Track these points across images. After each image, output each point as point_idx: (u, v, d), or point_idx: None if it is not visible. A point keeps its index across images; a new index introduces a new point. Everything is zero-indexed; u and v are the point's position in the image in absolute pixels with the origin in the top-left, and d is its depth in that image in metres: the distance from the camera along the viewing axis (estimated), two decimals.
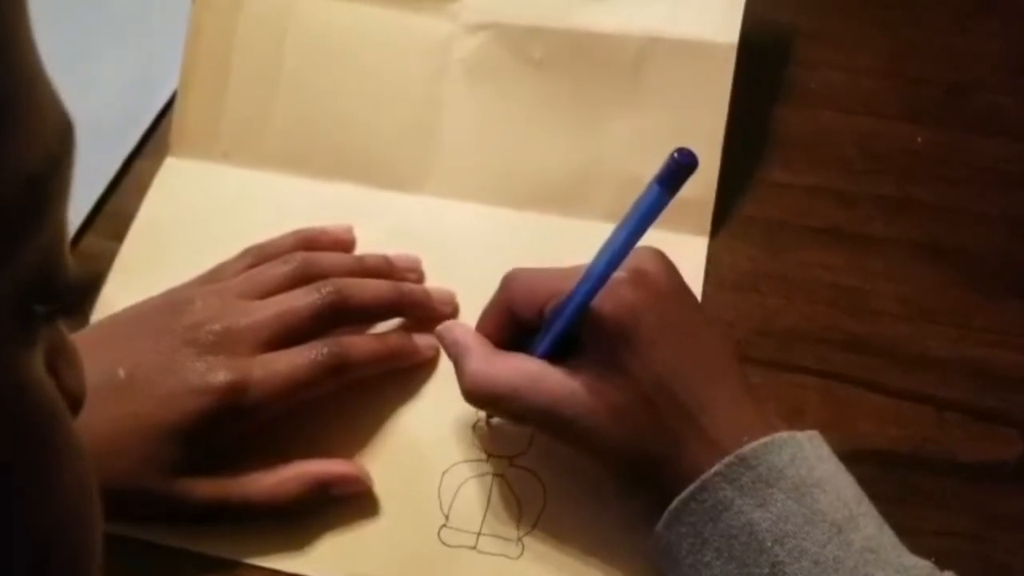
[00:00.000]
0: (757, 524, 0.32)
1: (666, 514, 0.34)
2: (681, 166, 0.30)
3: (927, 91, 0.52)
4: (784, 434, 0.34)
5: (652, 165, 0.47)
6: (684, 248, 0.46)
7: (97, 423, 0.37)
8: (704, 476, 0.33)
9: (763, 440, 0.33)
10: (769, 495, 0.32)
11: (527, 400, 0.36)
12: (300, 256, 0.42)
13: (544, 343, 0.37)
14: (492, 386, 0.37)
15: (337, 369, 0.39)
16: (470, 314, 0.44)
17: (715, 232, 0.47)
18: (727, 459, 0.33)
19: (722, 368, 0.36)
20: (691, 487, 0.33)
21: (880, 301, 0.46)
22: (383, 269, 0.44)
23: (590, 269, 0.34)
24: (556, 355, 0.37)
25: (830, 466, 0.34)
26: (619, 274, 0.34)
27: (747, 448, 0.33)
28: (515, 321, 0.38)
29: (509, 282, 0.39)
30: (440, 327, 0.40)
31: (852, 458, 0.41)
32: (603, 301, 0.35)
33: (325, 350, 0.39)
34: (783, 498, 0.32)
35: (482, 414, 0.42)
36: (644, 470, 0.35)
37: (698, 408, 0.34)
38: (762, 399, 0.36)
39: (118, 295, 0.45)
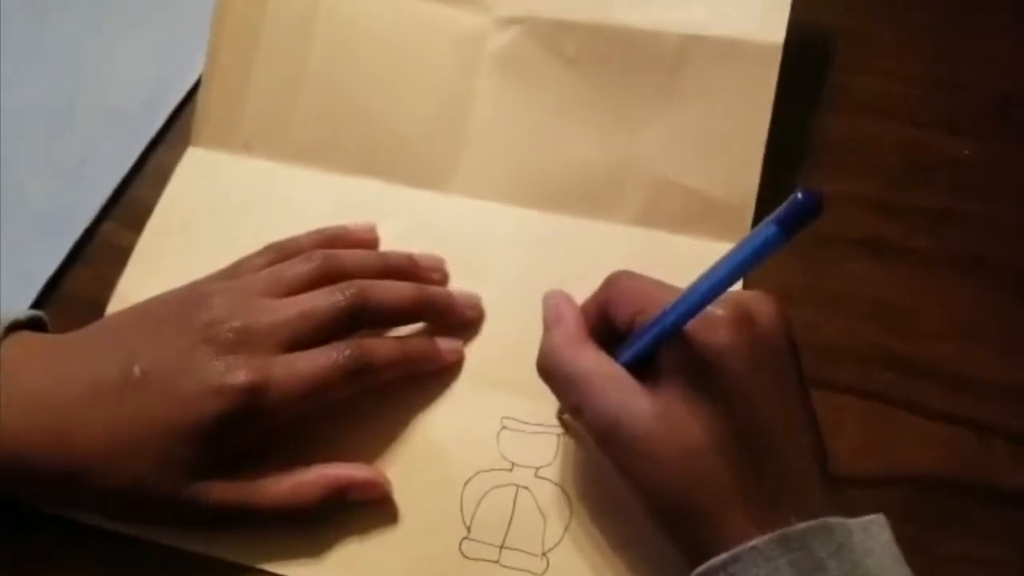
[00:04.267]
0: None
1: (693, 575, 0.32)
2: (803, 208, 0.26)
3: (974, 100, 0.50)
4: (835, 520, 0.31)
5: (688, 169, 0.46)
6: (719, 256, 0.44)
7: (111, 422, 0.36)
8: (739, 548, 0.31)
9: (809, 523, 0.31)
10: None
11: (595, 397, 0.34)
12: (322, 254, 0.41)
13: (627, 354, 0.35)
14: (568, 368, 0.35)
15: (358, 372, 0.38)
16: (495, 318, 0.43)
17: None
18: (767, 536, 0.31)
19: (805, 439, 0.33)
20: (723, 556, 0.31)
21: (923, 318, 0.44)
22: (407, 268, 0.43)
23: (684, 295, 0.32)
24: (638, 369, 0.35)
25: (879, 561, 0.31)
26: (723, 311, 0.32)
27: (792, 529, 0.31)
28: (609, 322, 0.36)
29: (610, 283, 0.37)
30: (548, 292, 0.39)
31: (890, 482, 0.40)
32: (696, 333, 0.33)
33: (347, 352, 0.38)
34: None
35: (508, 420, 0.41)
36: (683, 518, 0.33)
37: (761, 474, 0.32)
38: (832, 485, 0.33)
39: (135, 287, 0.44)
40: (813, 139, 0.49)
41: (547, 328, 0.37)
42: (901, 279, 0.45)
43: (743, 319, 0.33)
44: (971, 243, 0.46)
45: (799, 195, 0.26)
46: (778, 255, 0.44)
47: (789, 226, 0.27)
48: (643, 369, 0.34)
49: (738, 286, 0.33)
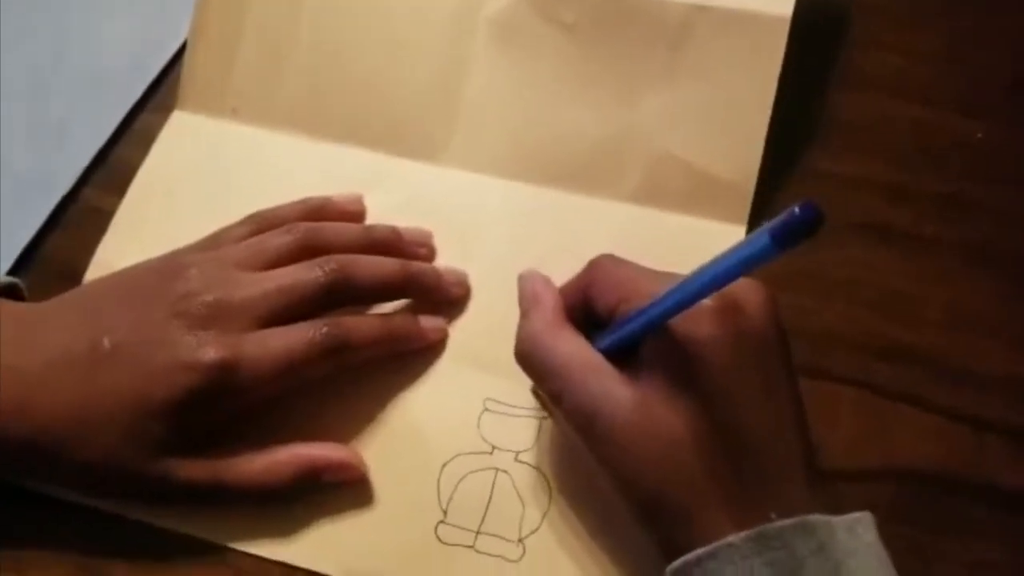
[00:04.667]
0: None
1: (668, 570, 0.31)
2: (799, 223, 0.25)
3: (990, 81, 0.48)
4: (818, 518, 0.30)
5: (688, 145, 0.44)
6: (718, 237, 0.42)
7: (79, 394, 0.35)
8: (716, 544, 0.30)
9: (790, 521, 0.30)
10: None
11: (570, 387, 0.33)
12: (304, 227, 0.40)
13: (606, 341, 0.34)
14: (547, 355, 0.34)
15: (336, 351, 0.37)
16: (482, 296, 0.42)
17: (753, 222, 0.43)
18: (744, 533, 0.29)
19: (789, 434, 0.32)
20: (698, 551, 0.30)
21: (927, 308, 0.42)
22: (392, 242, 0.41)
23: (670, 292, 0.31)
24: (617, 357, 0.33)
25: (864, 561, 0.30)
26: (709, 300, 0.31)
27: (771, 526, 0.29)
28: (589, 306, 0.35)
29: (593, 267, 0.36)
30: (523, 273, 0.38)
31: (884, 476, 0.39)
32: (680, 323, 0.31)
33: (324, 330, 0.37)
34: None
35: (490, 403, 0.40)
36: (658, 512, 0.32)
37: (740, 470, 0.31)
38: (818, 476, 0.32)
39: (115, 253, 0.43)
40: (821, 118, 0.47)
41: (524, 312, 0.36)
42: (906, 266, 0.43)
43: (729, 310, 0.32)
44: (981, 230, 0.44)
45: (797, 209, 0.25)
46: None
47: (783, 239, 0.25)
48: (624, 357, 0.33)
49: None
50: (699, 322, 0.31)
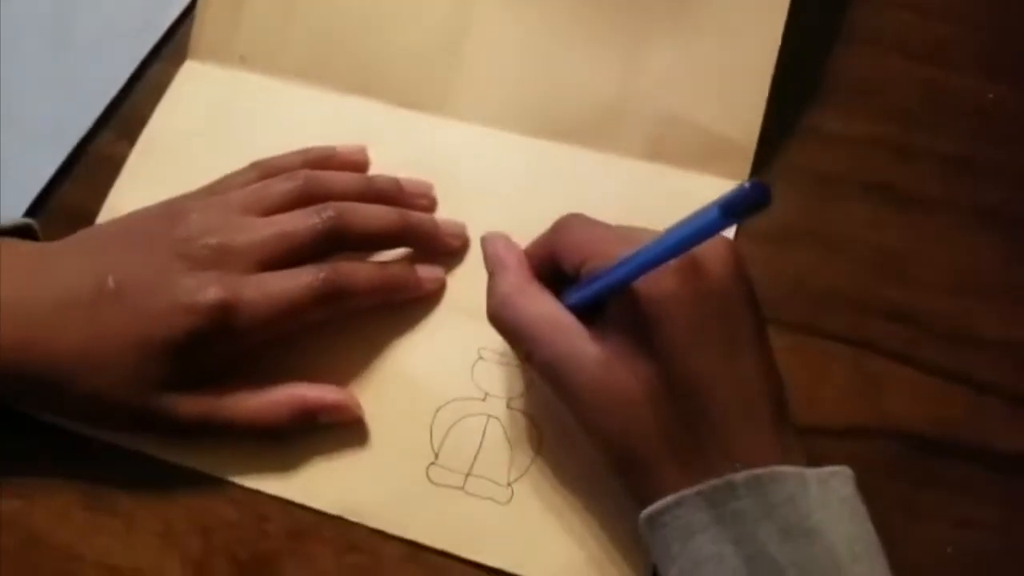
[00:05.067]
0: (726, 559, 0.30)
1: (642, 517, 0.32)
2: (748, 199, 0.26)
3: (1004, 43, 0.47)
4: (788, 469, 0.30)
5: (692, 102, 0.44)
6: (718, 193, 0.42)
7: (82, 332, 0.36)
8: (684, 492, 0.30)
9: (760, 471, 0.30)
10: (748, 532, 0.30)
11: (540, 346, 0.34)
12: (305, 174, 0.40)
13: (572, 299, 0.35)
14: (517, 315, 0.35)
15: (332, 296, 0.38)
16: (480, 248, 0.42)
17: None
18: (714, 481, 0.30)
19: (753, 390, 0.32)
20: (668, 499, 0.31)
21: (928, 269, 0.42)
22: (392, 192, 0.42)
23: (633, 256, 0.31)
24: (585, 314, 0.34)
25: (836, 514, 0.30)
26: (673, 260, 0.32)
27: (740, 475, 0.30)
28: (556, 265, 0.36)
29: (560, 227, 0.36)
30: (485, 235, 0.38)
31: (877, 435, 0.39)
32: (642, 281, 0.32)
33: (321, 275, 0.38)
34: (764, 539, 0.29)
35: (485, 351, 0.40)
36: (624, 465, 0.33)
37: (710, 420, 0.31)
38: (790, 434, 0.32)
39: (125, 199, 0.44)
40: (830, 75, 0.46)
41: (492, 273, 0.37)
42: (908, 227, 0.43)
43: (689, 268, 0.32)
44: (986, 194, 0.43)
45: (746, 185, 0.26)
46: (777, 194, 0.43)
47: (733, 214, 0.27)
48: (592, 313, 0.34)
49: None
50: (660, 281, 0.32)
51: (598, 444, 0.34)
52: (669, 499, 0.31)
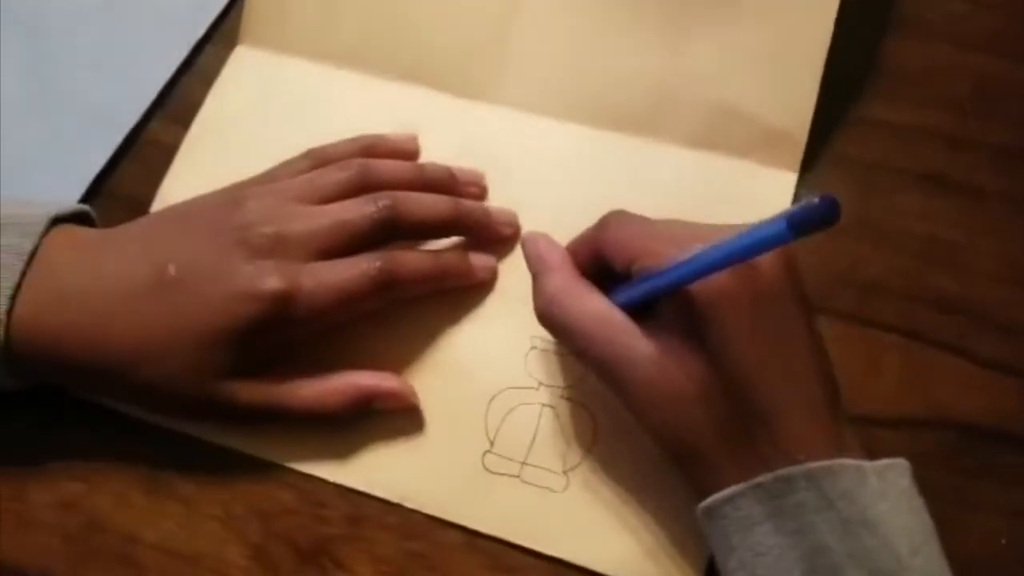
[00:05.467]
0: (788, 551, 0.30)
1: (700, 507, 0.32)
2: (817, 214, 0.26)
3: None
4: (848, 462, 0.31)
5: (742, 89, 0.44)
6: (771, 182, 0.43)
7: (144, 321, 0.37)
8: (746, 484, 0.31)
9: (820, 463, 0.30)
10: (809, 525, 0.30)
11: (593, 345, 0.34)
12: (359, 163, 0.40)
13: (622, 297, 0.35)
14: (564, 317, 0.35)
15: (387, 285, 0.38)
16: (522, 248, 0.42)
17: (805, 169, 0.43)
18: (774, 473, 0.30)
19: (808, 381, 0.32)
20: (729, 490, 0.31)
21: (978, 259, 0.42)
22: (444, 181, 0.42)
23: (687, 262, 0.32)
24: (633, 311, 0.35)
25: (895, 506, 0.31)
26: None
27: (800, 468, 0.30)
28: (602, 262, 0.36)
29: (605, 225, 0.36)
30: (527, 235, 0.39)
31: (928, 426, 0.39)
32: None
33: (377, 264, 0.38)
34: (823, 531, 0.30)
35: (538, 340, 0.40)
36: (685, 459, 0.33)
37: (765, 417, 0.32)
38: (845, 425, 0.33)
39: (178, 187, 0.45)
40: (880, 64, 0.46)
41: (538, 274, 0.37)
42: (959, 217, 0.43)
43: (747, 266, 0.32)
44: None
45: (816, 200, 0.26)
46: (827, 183, 0.43)
47: (800, 229, 0.27)
48: (641, 310, 0.34)
49: None
50: (714, 278, 0.32)
51: (656, 439, 0.34)
52: (728, 491, 0.31)
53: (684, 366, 0.32)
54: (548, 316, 0.36)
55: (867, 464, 0.31)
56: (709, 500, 0.32)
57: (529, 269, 0.38)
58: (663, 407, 0.33)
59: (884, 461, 0.32)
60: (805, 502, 0.30)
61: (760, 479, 0.31)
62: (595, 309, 0.35)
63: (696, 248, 0.32)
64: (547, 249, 0.37)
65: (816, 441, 0.32)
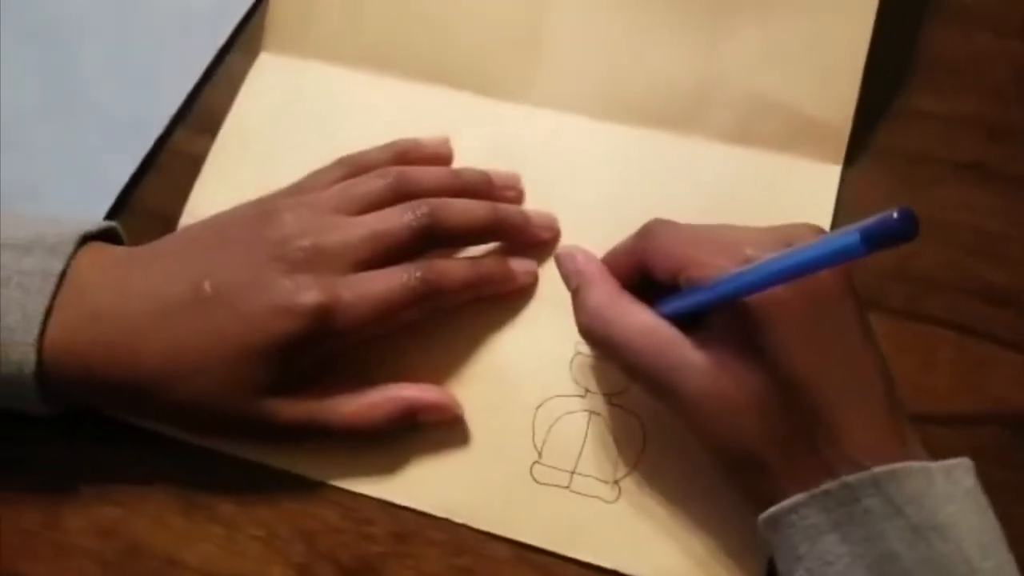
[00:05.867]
0: (858, 560, 0.29)
1: (762, 518, 0.31)
2: (894, 230, 0.25)
3: None
4: (915, 465, 0.30)
5: (781, 84, 0.43)
6: (814, 176, 0.42)
7: (180, 338, 0.36)
8: (813, 491, 0.30)
9: (887, 468, 0.29)
10: (878, 532, 0.29)
11: (643, 359, 0.33)
12: (396, 171, 0.39)
13: (670, 307, 0.34)
14: (609, 332, 0.34)
15: (429, 295, 0.37)
16: (573, 238, 0.41)
17: (849, 161, 0.42)
18: (841, 480, 0.30)
19: (867, 383, 0.32)
20: (794, 498, 0.30)
21: None
22: (481, 186, 0.41)
23: (745, 272, 0.31)
24: (679, 321, 0.34)
25: (963, 507, 0.30)
26: None
27: (867, 474, 0.29)
28: (644, 272, 0.35)
29: (648, 234, 0.35)
30: (561, 251, 0.38)
31: (985, 421, 0.38)
32: None
33: (418, 274, 0.37)
34: (892, 538, 0.29)
35: (582, 346, 0.39)
36: (742, 470, 0.32)
37: (827, 423, 0.31)
38: (906, 425, 0.32)
39: (207, 199, 0.44)
40: (919, 54, 0.45)
41: (576, 289, 0.36)
42: (1005, 207, 0.42)
43: None
44: None
45: (894, 214, 0.25)
46: (870, 176, 0.42)
47: (874, 243, 0.25)
48: (689, 319, 0.33)
49: None
50: None
51: (711, 451, 0.33)
52: (794, 499, 0.30)
53: (740, 376, 0.32)
54: (592, 331, 0.35)
55: (933, 465, 0.30)
56: (773, 509, 0.31)
57: (568, 285, 0.37)
58: (720, 418, 0.32)
59: (950, 461, 0.31)
60: (873, 508, 0.29)
61: (826, 486, 0.30)
62: (642, 322, 0.34)
63: (746, 254, 0.31)
64: (585, 262, 0.36)
65: (880, 445, 0.31)
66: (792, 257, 0.29)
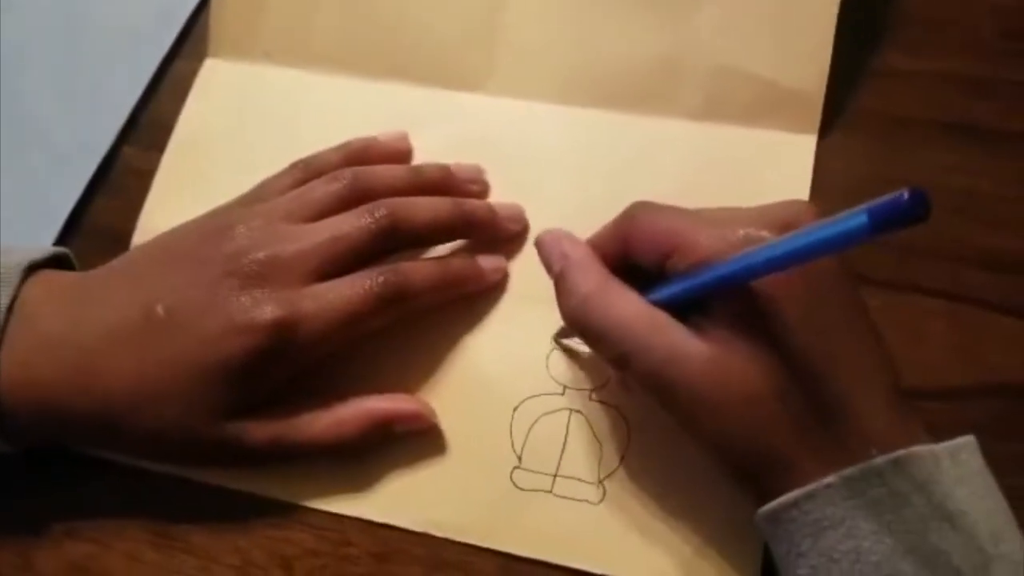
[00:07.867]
0: (866, 554, 0.28)
1: (761, 512, 0.30)
2: (903, 210, 0.23)
3: None
4: (921, 449, 0.28)
5: (748, 53, 0.41)
6: (788, 149, 0.40)
7: (136, 365, 0.34)
8: (815, 484, 0.28)
9: (893, 455, 0.28)
10: (888, 522, 0.28)
11: (640, 347, 0.31)
12: (351, 173, 0.38)
13: (661, 294, 0.32)
14: (602, 319, 0.32)
15: (395, 300, 0.35)
16: (541, 229, 0.39)
17: (825, 130, 0.40)
18: (847, 471, 0.28)
19: (872, 369, 0.30)
20: (796, 492, 0.29)
21: (1020, 210, 0.39)
22: (442, 181, 0.39)
23: (746, 257, 0.29)
24: (673, 308, 0.31)
25: (972, 490, 0.29)
26: None
27: (873, 464, 0.28)
28: (629, 258, 0.33)
29: (631, 220, 0.33)
30: (545, 234, 0.35)
31: (980, 391, 0.37)
32: None
33: (381, 279, 0.35)
34: (902, 530, 0.28)
35: (558, 338, 0.38)
36: (749, 463, 0.30)
37: (833, 410, 0.29)
38: (907, 404, 0.31)
39: (160, 214, 0.42)
40: (894, 10, 0.43)
41: (561, 274, 0.33)
42: (995, 166, 0.40)
43: None
44: None
45: (905, 194, 0.23)
46: (849, 143, 0.40)
47: (883, 225, 0.23)
48: (685, 307, 0.31)
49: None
50: None
51: (712, 446, 0.31)
52: (799, 492, 0.29)
53: (743, 361, 0.30)
54: (582, 319, 0.33)
55: (939, 448, 0.29)
56: (773, 503, 0.29)
57: (550, 271, 0.35)
58: (726, 410, 0.30)
59: (955, 442, 0.29)
60: (881, 499, 0.28)
61: (831, 478, 0.28)
62: (637, 309, 0.31)
63: (740, 236, 0.30)
64: (571, 246, 0.34)
65: (886, 427, 0.30)
66: (797, 240, 0.27)
